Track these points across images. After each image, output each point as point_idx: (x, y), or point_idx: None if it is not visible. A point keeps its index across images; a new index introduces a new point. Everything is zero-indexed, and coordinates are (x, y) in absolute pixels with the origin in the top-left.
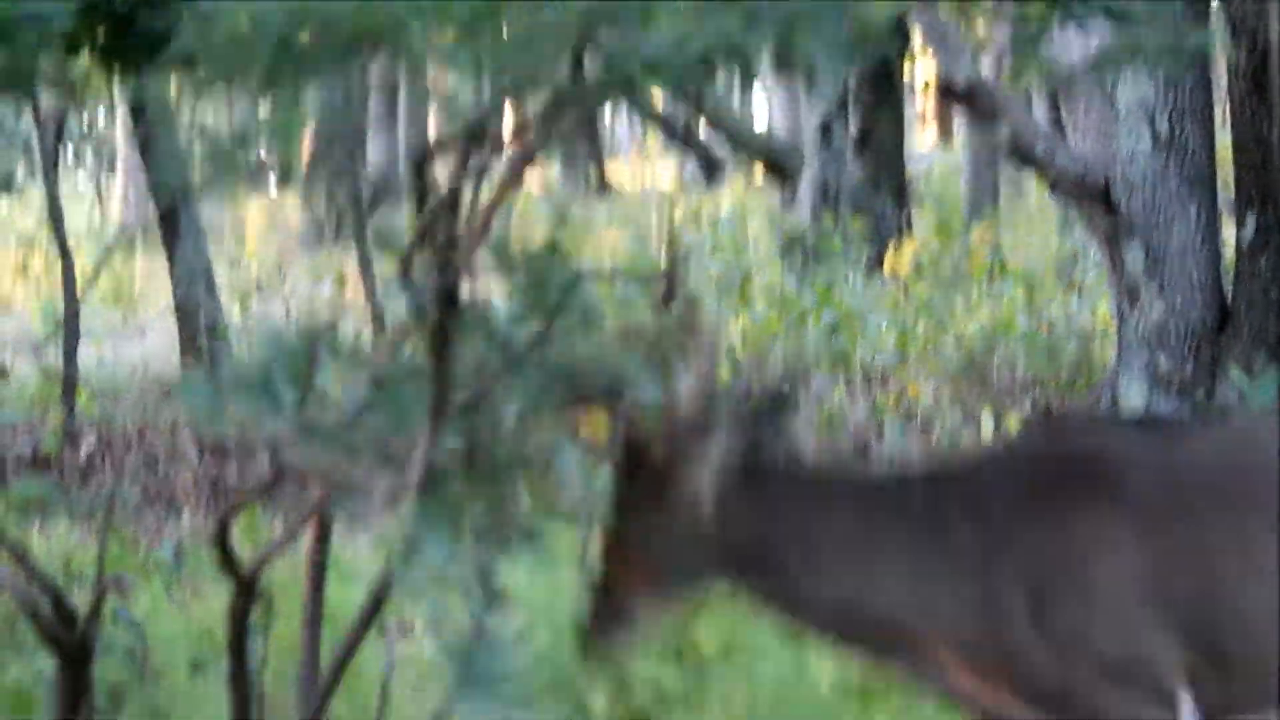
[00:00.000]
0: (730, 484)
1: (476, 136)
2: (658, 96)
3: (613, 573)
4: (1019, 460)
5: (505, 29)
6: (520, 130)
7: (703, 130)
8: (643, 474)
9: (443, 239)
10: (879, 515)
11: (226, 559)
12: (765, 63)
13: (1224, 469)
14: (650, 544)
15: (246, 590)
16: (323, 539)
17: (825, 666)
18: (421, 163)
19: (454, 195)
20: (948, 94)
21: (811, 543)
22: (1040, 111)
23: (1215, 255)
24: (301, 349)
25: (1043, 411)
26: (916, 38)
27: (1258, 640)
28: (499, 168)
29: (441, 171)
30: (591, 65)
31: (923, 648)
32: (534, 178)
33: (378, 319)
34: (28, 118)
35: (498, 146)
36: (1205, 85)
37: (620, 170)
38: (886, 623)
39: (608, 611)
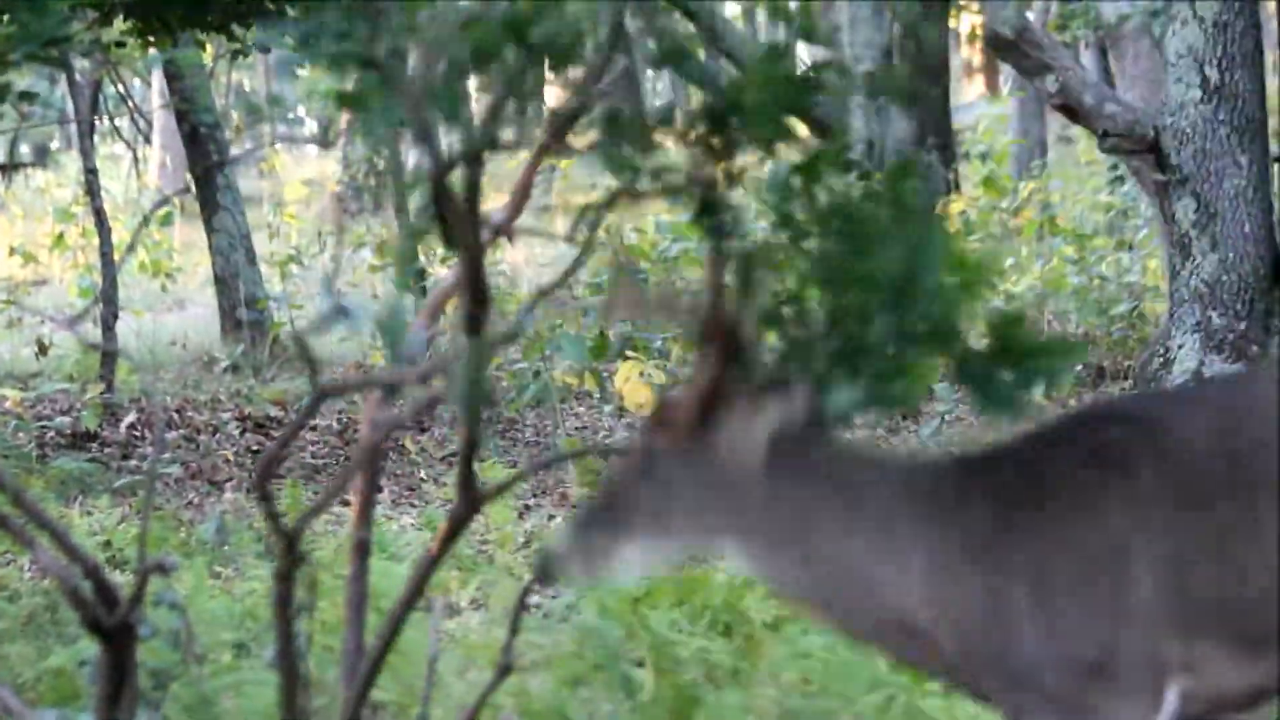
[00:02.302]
0: (782, 443)
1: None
2: (700, 52)
3: (621, 500)
4: (1038, 450)
5: None
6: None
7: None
8: (707, 406)
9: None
10: (905, 497)
11: (271, 512)
12: None
13: (1227, 449)
14: (675, 480)
15: (290, 551)
16: (366, 517)
17: None
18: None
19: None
20: (994, 44)
21: (837, 514)
22: (1089, 61)
23: (1268, 206)
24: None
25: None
26: None
27: None
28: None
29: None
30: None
31: (919, 634)
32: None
33: (418, 285)
34: (62, 86)
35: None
36: (1255, 30)
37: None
38: (892, 608)
39: (597, 538)
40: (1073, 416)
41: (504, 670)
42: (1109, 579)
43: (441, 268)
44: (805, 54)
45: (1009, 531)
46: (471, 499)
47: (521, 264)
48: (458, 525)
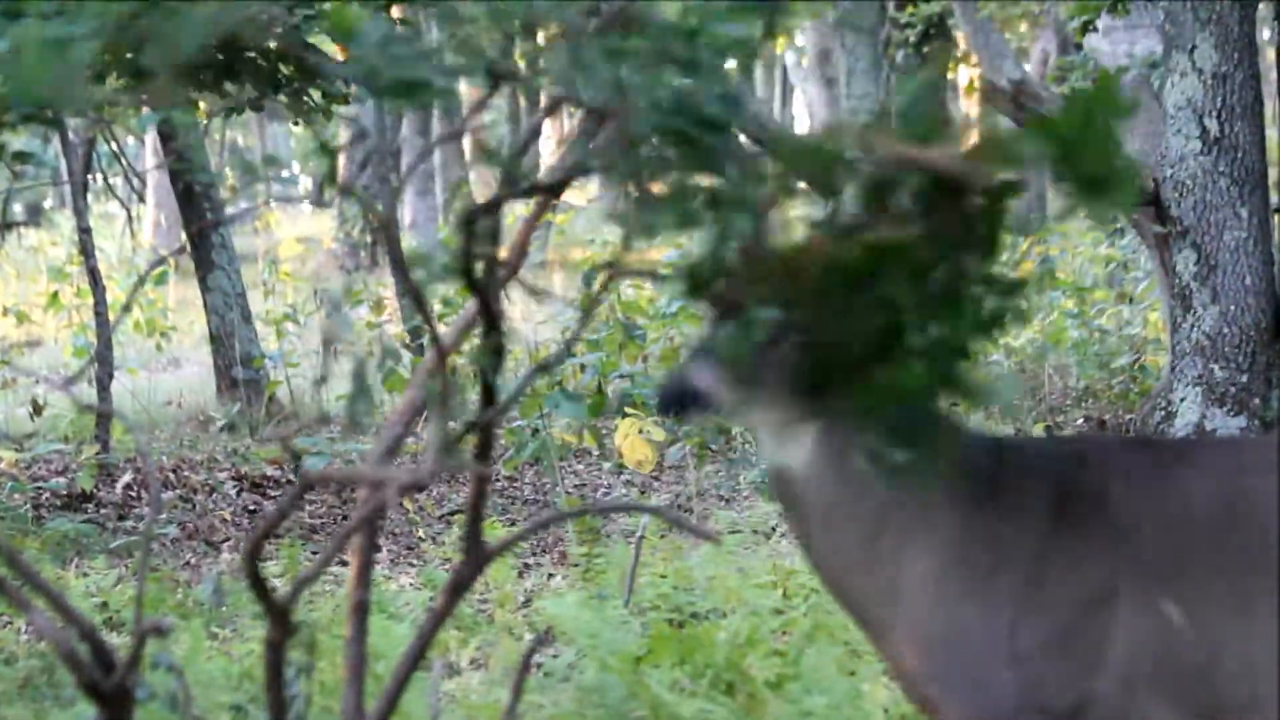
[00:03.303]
0: None
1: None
2: None
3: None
4: (1042, 479)
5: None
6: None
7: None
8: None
9: (484, 258)
10: (941, 497)
11: (259, 587)
12: (806, 64)
13: (1223, 518)
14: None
15: (282, 622)
16: (364, 577)
17: (879, 697)
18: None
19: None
20: (992, 96)
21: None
22: None
23: (1269, 258)
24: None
25: (1096, 424)
26: (959, 40)
27: (1265, 692)
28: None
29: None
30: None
31: (887, 629)
32: (573, 193)
33: (415, 342)
34: (55, 145)
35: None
36: (1254, 81)
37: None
38: (884, 598)
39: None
40: (1077, 456)
41: None
42: (1091, 628)
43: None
44: (806, 107)
45: (1002, 565)
46: (478, 557)
47: (518, 319)
48: (463, 583)
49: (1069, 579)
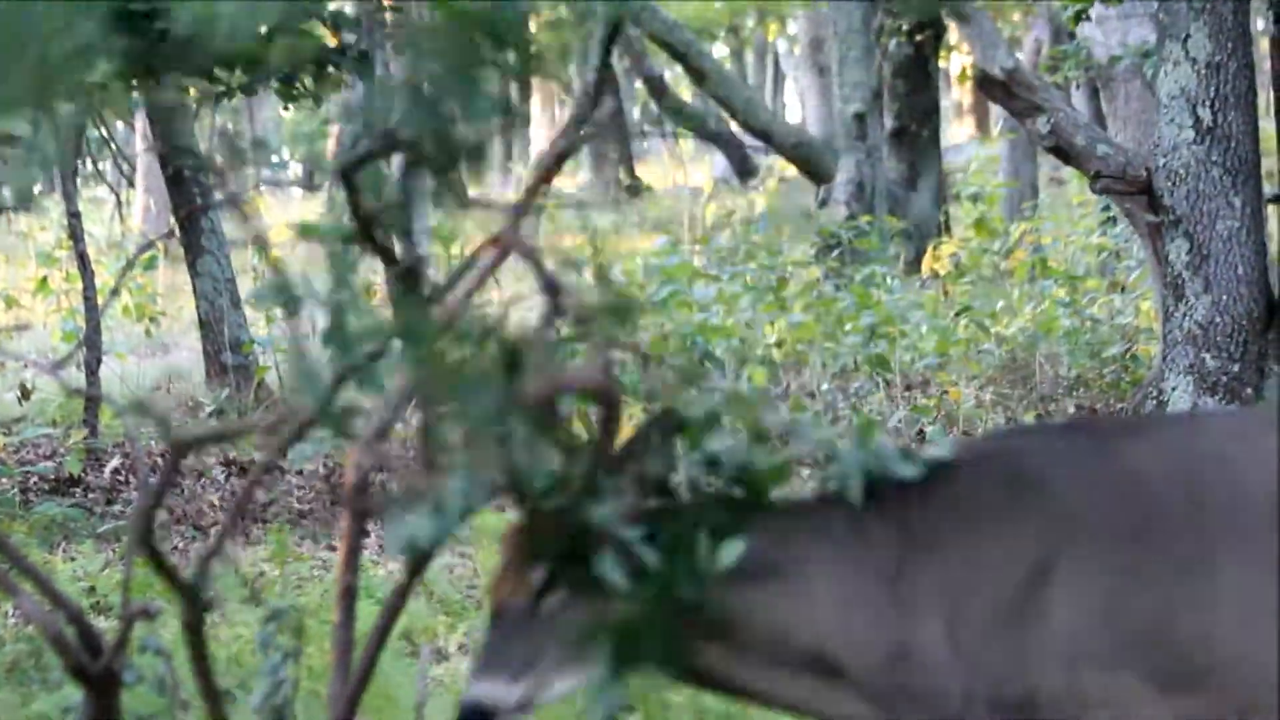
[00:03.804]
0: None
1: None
2: (688, 93)
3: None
4: (946, 470)
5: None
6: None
7: (735, 128)
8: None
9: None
10: (801, 533)
11: (158, 562)
12: (798, 53)
13: (1177, 484)
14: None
15: (192, 600)
16: (352, 562)
17: None
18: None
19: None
20: (985, 84)
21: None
22: (1080, 102)
23: (1261, 248)
24: None
25: (1088, 412)
26: (951, 29)
27: (1231, 653)
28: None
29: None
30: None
31: (834, 673)
32: (563, 179)
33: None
34: (44, 130)
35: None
36: (1248, 71)
37: (651, 171)
38: (814, 654)
39: (521, 682)
40: (1008, 450)
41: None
42: (1026, 607)
43: None
44: (798, 96)
45: (920, 559)
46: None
47: (507, 302)
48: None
49: (998, 567)
